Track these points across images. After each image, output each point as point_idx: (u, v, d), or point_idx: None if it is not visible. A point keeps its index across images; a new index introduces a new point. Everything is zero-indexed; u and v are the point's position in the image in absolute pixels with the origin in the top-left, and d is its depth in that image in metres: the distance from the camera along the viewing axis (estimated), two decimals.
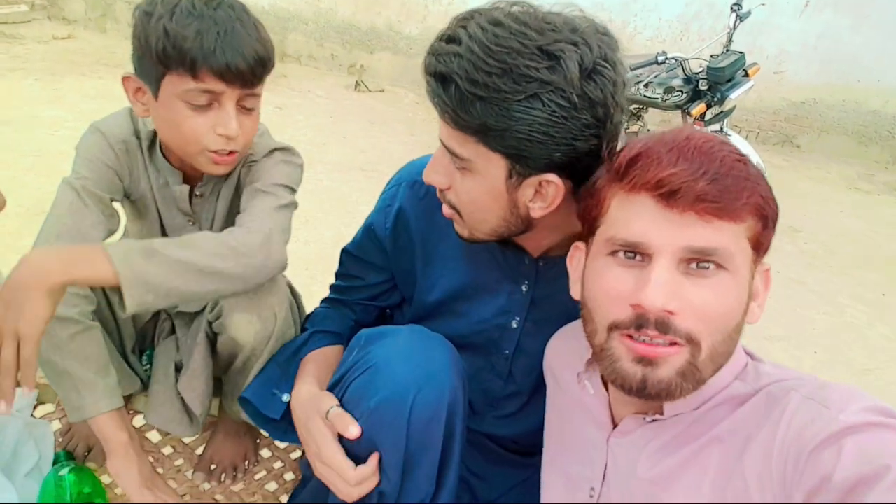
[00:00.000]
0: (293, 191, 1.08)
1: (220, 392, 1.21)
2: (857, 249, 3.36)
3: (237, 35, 0.91)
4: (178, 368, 1.18)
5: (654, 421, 0.71)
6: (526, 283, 0.94)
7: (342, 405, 0.85)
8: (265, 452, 1.30)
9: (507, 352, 0.99)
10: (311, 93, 4.32)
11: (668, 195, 0.62)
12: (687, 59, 3.28)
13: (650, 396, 0.65)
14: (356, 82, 4.54)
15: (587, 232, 0.73)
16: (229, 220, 1.12)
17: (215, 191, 1.12)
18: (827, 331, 2.62)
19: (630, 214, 0.65)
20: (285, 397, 1.00)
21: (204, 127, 0.94)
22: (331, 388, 0.90)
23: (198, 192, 1.11)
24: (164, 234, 1.16)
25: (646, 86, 3.33)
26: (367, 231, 1.06)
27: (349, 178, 3.42)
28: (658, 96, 3.31)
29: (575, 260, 0.77)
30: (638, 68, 3.31)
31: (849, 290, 2.95)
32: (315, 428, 0.85)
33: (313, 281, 2.13)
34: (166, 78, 0.92)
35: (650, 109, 3.48)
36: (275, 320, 1.04)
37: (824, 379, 0.65)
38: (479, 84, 0.70)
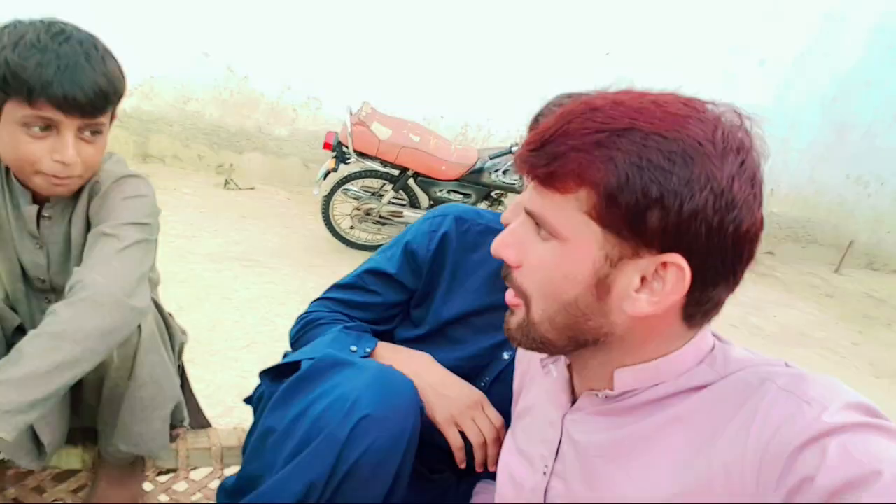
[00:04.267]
0: (144, 225, 1.08)
1: (96, 439, 1.16)
2: None
3: (79, 68, 0.97)
4: None
5: (606, 398, 0.70)
6: None
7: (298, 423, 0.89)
8: (147, 486, 1.24)
9: (486, 379, 1.07)
10: (178, 190, 4.28)
11: (516, 160, 0.66)
12: None
13: (511, 343, 0.71)
14: (225, 180, 4.57)
15: None
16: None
17: (65, 215, 1.13)
18: None
19: None
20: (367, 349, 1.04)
21: (41, 152, 0.99)
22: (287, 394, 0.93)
23: (46, 214, 1.12)
24: (19, 258, 1.15)
25: (503, 173, 3.71)
26: (406, 253, 1.12)
27: (223, 268, 3.37)
28: (515, 181, 3.70)
29: None
30: (496, 157, 3.70)
31: None
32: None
33: (192, 365, 2.07)
34: (7, 104, 0.97)
35: (509, 194, 3.86)
36: (138, 332, 1.04)
37: (798, 368, 0.62)
38: None
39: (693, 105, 0.61)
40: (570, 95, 1.01)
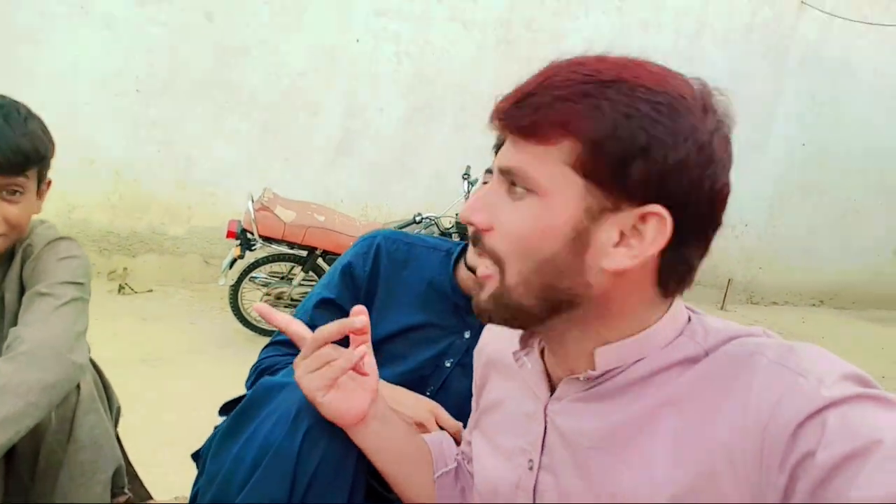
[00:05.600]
0: (79, 284, 1.09)
1: None
2: None
3: None
4: None
5: (588, 380, 0.66)
6: (469, 332, 1.06)
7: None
8: None
9: (432, 388, 1.09)
10: None
11: (491, 119, 0.64)
12: (439, 217, 3.87)
13: (479, 319, 0.68)
14: (119, 285, 4.35)
15: None
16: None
17: None
18: None
19: None
20: None
21: None
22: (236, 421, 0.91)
23: None
24: None
25: None
26: (344, 275, 1.14)
27: (127, 372, 3.15)
28: None
29: None
30: (401, 228, 3.80)
31: None
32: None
33: None
34: None
35: None
36: (77, 393, 1.02)
37: (779, 337, 0.62)
38: None
39: (670, 69, 0.63)
40: None
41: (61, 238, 1.14)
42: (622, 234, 0.61)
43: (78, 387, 1.01)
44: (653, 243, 0.60)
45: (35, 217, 1.19)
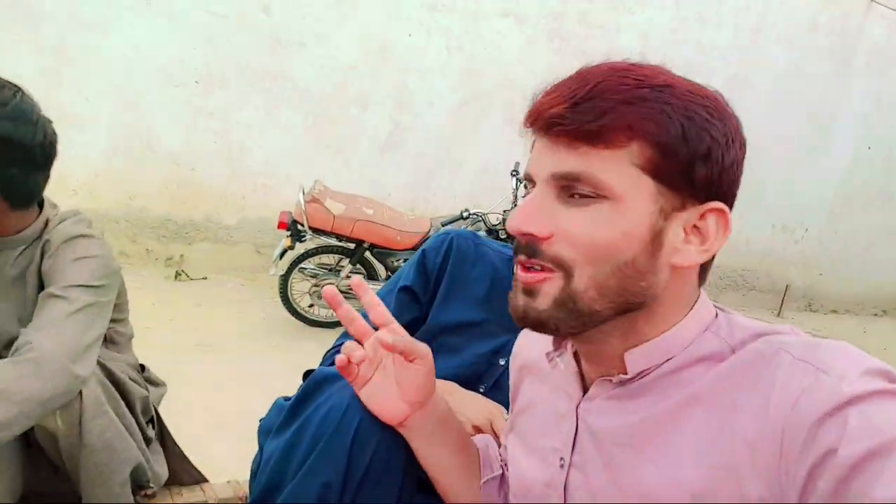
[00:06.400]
0: (94, 288, 1.08)
1: None
2: None
3: None
4: None
5: (621, 383, 0.67)
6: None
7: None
8: None
9: (485, 385, 1.10)
10: (127, 285, 4.17)
11: (535, 123, 0.63)
12: (486, 214, 3.86)
13: (533, 328, 0.65)
14: (176, 272, 4.49)
15: None
16: None
17: (16, 266, 1.13)
18: None
19: (533, 151, 0.66)
20: None
21: None
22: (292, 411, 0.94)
23: None
24: None
25: None
26: (419, 265, 1.20)
27: (181, 358, 3.26)
28: None
29: None
30: (448, 223, 3.81)
31: None
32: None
33: None
34: None
35: None
36: (80, 399, 1.03)
37: (808, 336, 0.62)
38: None
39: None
40: None
41: (81, 235, 1.12)
42: (685, 232, 0.63)
43: (80, 394, 1.02)
44: (718, 238, 0.63)
45: (68, 209, 1.21)
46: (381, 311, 0.86)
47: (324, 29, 4.66)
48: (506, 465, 0.92)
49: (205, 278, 4.55)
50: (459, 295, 1.15)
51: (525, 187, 0.69)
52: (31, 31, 4.17)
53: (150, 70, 4.41)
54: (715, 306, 0.69)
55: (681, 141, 0.59)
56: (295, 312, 3.83)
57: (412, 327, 1.19)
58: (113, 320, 1.23)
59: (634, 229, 0.61)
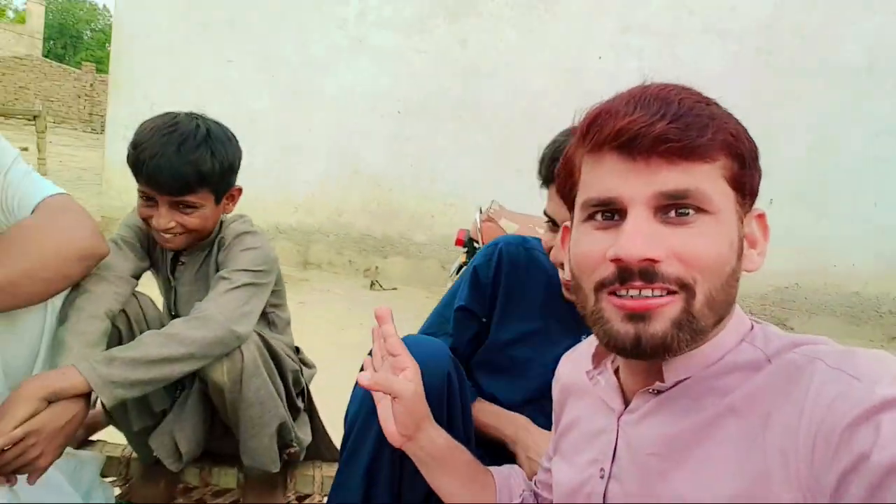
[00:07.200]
0: (254, 272, 1.30)
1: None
2: None
3: (167, 156, 1.20)
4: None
5: (659, 393, 0.67)
6: (585, 333, 1.01)
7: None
8: None
9: None
10: (330, 291, 4.72)
11: (629, 144, 0.61)
12: None
13: (647, 354, 0.62)
14: (371, 282, 4.97)
15: (569, 208, 0.72)
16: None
17: (194, 262, 1.39)
18: None
19: (599, 173, 0.64)
20: None
21: (146, 216, 1.28)
22: None
23: (182, 260, 1.40)
24: (166, 296, 1.44)
25: None
26: (472, 282, 1.21)
27: (360, 356, 3.61)
28: None
29: (564, 242, 0.78)
30: None
31: None
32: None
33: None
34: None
35: None
36: (241, 359, 1.23)
37: (842, 345, 0.61)
38: None
39: None
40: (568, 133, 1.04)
41: (247, 232, 1.35)
42: (746, 238, 0.66)
43: (242, 355, 1.23)
44: (764, 241, 0.67)
45: (233, 213, 1.46)
46: (392, 343, 0.90)
47: (515, 58, 4.87)
48: (544, 488, 0.94)
49: (395, 289, 4.96)
50: (518, 305, 1.17)
51: (603, 217, 0.65)
52: (268, 72, 4.97)
53: (361, 103, 4.99)
54: (750, 318, 0.69)
55: (753, 153, 0.65)
56: None
57: (474, 343, 1.21)
58: (273, 305, 1.46)
59: (734, 240, 0.63)
